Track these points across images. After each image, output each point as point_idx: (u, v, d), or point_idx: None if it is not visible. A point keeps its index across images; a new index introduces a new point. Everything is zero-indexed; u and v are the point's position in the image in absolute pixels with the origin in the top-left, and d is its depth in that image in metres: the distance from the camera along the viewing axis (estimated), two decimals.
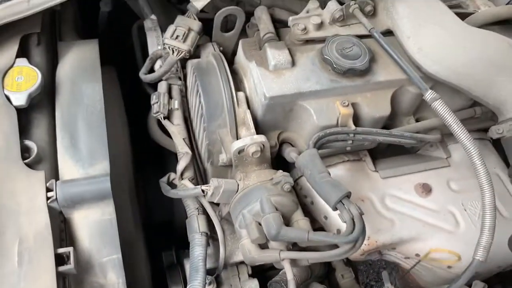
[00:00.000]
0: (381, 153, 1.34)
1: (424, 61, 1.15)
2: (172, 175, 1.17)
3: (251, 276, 1.23)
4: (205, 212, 1.13)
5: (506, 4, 1.33)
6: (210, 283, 1.17)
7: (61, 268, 0.86)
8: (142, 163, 1.41)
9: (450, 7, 1.30)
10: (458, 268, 1.16)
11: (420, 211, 1.21)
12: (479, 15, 1.27)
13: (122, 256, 0.94)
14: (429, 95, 1.08)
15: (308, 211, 1.23)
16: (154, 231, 1.40)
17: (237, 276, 1.22)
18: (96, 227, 0.94)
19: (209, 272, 1.14)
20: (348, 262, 1.46)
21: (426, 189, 1.23)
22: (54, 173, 0.98)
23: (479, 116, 1.28)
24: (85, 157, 0.97)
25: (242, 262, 1.21)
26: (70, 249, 0.88)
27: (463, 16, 1.26)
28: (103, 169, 0.95)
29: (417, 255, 1.19)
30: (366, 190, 1.22)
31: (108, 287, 0.93)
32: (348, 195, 0.98)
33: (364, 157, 1.28)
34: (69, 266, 0.87)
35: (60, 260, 0.87)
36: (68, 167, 0.98)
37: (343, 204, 0.97)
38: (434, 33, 1.16)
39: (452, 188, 1.26)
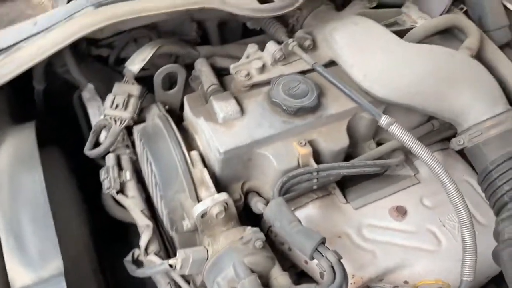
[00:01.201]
0: (350, 180, 1.31)
1: (371, 86, 1.13)
2: (137, 252, 1.10)
3: None
4: (177, 286, 1.05)
5: (440, 14, 1.34)
6: None
7: None
8: (106, 241, 1.32)
9: (387, 25, 1.30)
10: None
11: (399, 236, 1.17)
12: (419, 30, 1.27)
13: None
14: (383, 120, 1.06)
15: (288, 258, 1.17)
16: None
17: None
18: None
19: None
20: None
21: (401, 212, 1.20)
22: (3, 283, 0.89)
23: (438, 129, 1.27)
24: (35, 258, 0.89)
25: None
26: None
27: (401, 33, 1.26)
28: (56, 268, 0.87)
29: (406, 282, 1.14)
30: (341, 225, 1.17)
31: None
32: (323, 242, 0.93)
33: (333, 190, 1.24)
34: None
35: None
36: (18, 273, 0.89)
37: (320, 252, 0.92)
38: (376, 57, 1.15)
39: (426, 205, 1.23)
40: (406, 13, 1.36)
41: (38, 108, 1.41)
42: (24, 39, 1.11)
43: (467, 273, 0.97)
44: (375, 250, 1.14)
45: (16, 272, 0.89)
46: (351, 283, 1.09)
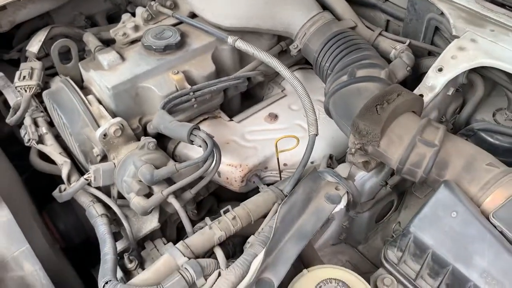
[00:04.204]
0: (238, 112, 1.61)
1: (219, 20, 1.47)
2: (63, 186, 1.33)
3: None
4: (100, 201, 1.29)
5: None
6: (131, 261, 1.29)
7: None
8: (45, 202, 1.53)
9: None
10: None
11: (273, 133, 1.47)
12: None
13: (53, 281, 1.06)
14: (230, 39, 1.39)
15: None
16: (78, 253, 1.51)
17: (155, 248, 1.37)
18: None
19: (126, 251, 1.28)
20: None
21: (272, 117, 1.51)
22: None
23: (286, 49, 1.60)
24: None
25: (155, 236, 1.37)
26: None
27: None
28: None
29: (285, 164, 1.43)
30: (228, 135, 1.46)
31: (28, 277, 1.06)
32: (196, 127, 1.22)
33: (219, 114, 1.53)
34: None
35: None
36: None
37: (195, 135, 1.21)
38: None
39: (293, 109, 1.56)
40: None
41: None
42: None
43: (312, 129, 1.27)
44: (256, 146, 1.44)
45: None
46: (240, 171, 1.37)
